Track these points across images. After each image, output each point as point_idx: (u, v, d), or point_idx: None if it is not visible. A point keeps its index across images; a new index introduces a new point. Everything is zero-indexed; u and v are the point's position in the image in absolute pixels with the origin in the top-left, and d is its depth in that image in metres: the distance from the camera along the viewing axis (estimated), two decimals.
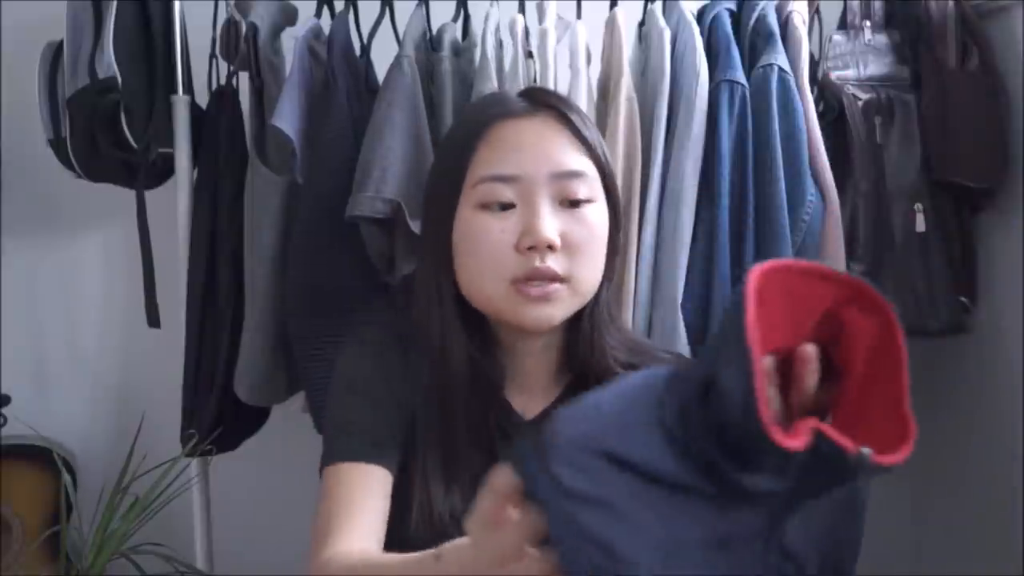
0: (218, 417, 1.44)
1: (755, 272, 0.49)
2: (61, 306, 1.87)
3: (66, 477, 1.59)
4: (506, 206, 0.84)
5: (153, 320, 1.48)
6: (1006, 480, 1.56)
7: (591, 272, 0.87)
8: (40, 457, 1.63)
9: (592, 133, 0.89)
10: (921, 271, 1.54)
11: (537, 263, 0.83)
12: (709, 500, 0.50)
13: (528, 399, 0.92)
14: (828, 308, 0.52)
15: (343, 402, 0.89)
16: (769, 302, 0.50)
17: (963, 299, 1.58)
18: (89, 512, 1.59)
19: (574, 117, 0.87)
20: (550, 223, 0.83)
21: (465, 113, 0.95)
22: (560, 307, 0.86)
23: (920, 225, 1.55)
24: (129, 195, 1.50)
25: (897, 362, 0.50)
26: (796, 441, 0.46)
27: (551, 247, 0.83)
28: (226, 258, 1.45)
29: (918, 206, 1.55)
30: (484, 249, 0.85)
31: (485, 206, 0.84)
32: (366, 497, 0.81)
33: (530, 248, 0.83)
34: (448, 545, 0.59)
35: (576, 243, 0.84)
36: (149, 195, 1.51)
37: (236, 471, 1.60)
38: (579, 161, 0.86)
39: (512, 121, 0.86)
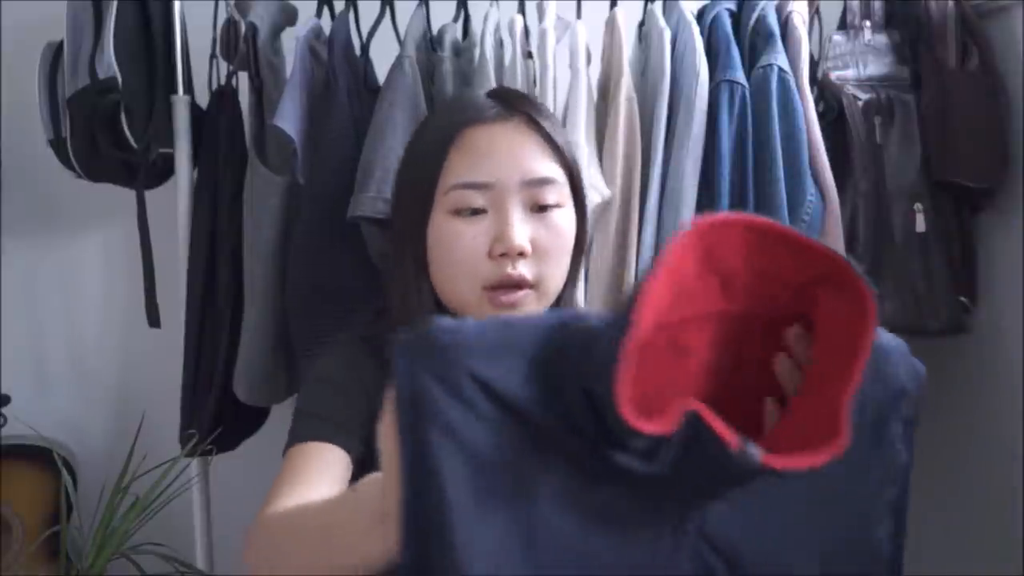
0: (218, 417, 1.44)
1: (698, 227, 0.45)
2: (61, 306, 1.87)
3: (66, 477, 1.59)
4: (477, 211, 0.85)
5: (153, 320, 1.48)
6: (1006, 480, 1.56)
7: (558, 275, 0.88)
8: (40, 457, 1.63)
9: (562, 138, 0.90)
10: (921, 271, 1.54)
11: (509, 270, 0.85)
12: (577, 462, 0.47)
13: None
14: (802, 282, 0.47)
15: (310, 391, 0.91)
16: (724, 261, 0.47)
17: (963, 299, 1.58)
18: (89, 512, 1.59)
19: (544, 123, 0.88)
20: (521, 230, 0.85)
21: (434, 116, 0.95)
22: (528, 313, 0.87)
23: (920, 225, 1.55)
24: (129, 195, 1.50)
25: (855, 353, 0.45)
26: (652, 424, 0.42)
27: (522, 254, 0.85)
28: (226, 258, 1.45)
29: (918, 206, 1.55)
30: (457, 255, 0.86)
31: (457, 212, 0.86)
32: (320, 470, 0.82)
33: (502, 255, 0.85)
34: (366, 477, 0.60)
35: (545, 248, 0.86)
36: (149, 195, 1.51)
37: (236, 471, 1.60)
38: (550, 168, 0.87)
39: (484, 127, 0.87)
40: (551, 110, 1.01)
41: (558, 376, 0.46)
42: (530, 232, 0.86)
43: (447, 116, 0.92)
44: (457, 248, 0.86)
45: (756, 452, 0.42)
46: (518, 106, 0.89)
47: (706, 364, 0.51)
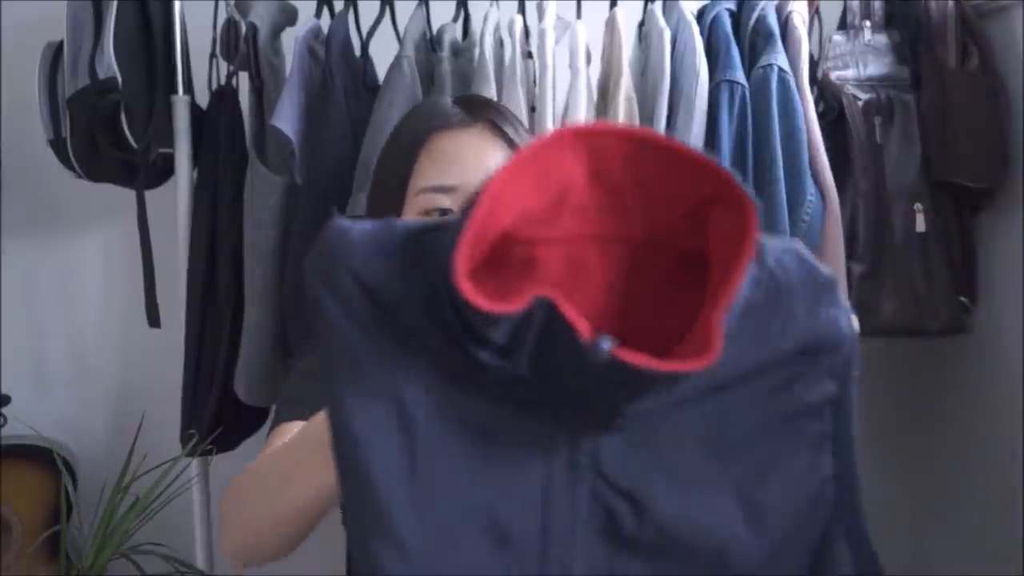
0: (218, 417, 1.44)
1: (573, 130, 0.44)
2: (61, 306, 1.87)
3: (66, 477, 1.59)
4: (444, 211, 0.88)
5: (153, 320, 1.48)
6: (1006, 480, 1.56)
7: None
8: (40, 457, 1.63)
9: (525, 140, 0.92)
10: (921, 271, 1.54)
11: None
12: (445, 363, 0.46)
13: None
14: (696, 202, 0.46)
15: (293, 383, 0.93)
16: (611, 173, 0.46)
17: (963, 299, 1.58)
18: (89, 512, 1.59)
19: (508, 128, 0.91)
20: None
21: (405, 123, 0.99)
22: None
23: (920, 225, 1.55)
24: (129, 195, 1.50)
25: (732, 265, 0.43)
26: (496, 303, 0.41)
27: None
28: (226, 258, 1.45)
29: (918, 206, 1.55)
30: None
31: (426, 213, 0.88)
32: None
33: None
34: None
35: None
36: (149, 195, 1.51)
37: (236, 471, 1.59)
38: None
39: (451, 133, 0.90)
40: (516, 113, 1.03)
41: (425, 273, 0.46)
42: None
43: (416, 122, 0.95)
44: None
45: (608, 345, 0.40)
46: (481, 113, 0.92)
47: (614, 290, 0.50)
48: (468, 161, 0.88)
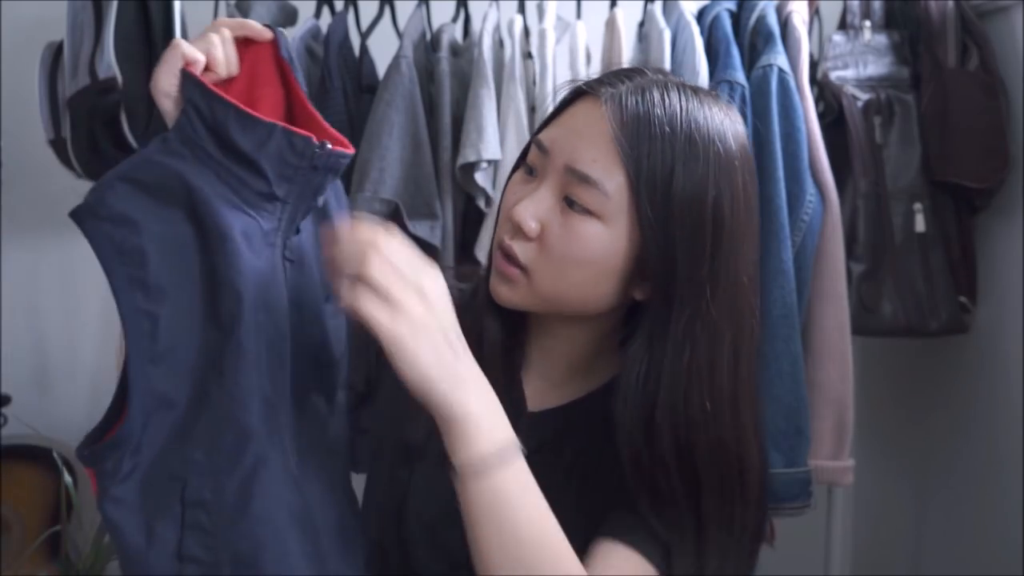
0: None
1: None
2: (61, 306, 1.87)
3: (66, 477, 1.59)
4: (533, 173, 0.80)
5: None
6: (1006, 480, 1.56)
7: (562, 283, 0.78)
8: (40, 457, 1.63)
9: (634, 142, 0.74)
10: (921, 271, 1.54)
11: (507, 238, 0.78)
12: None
13: (541, 389, 0.87)
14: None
15: None
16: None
17: (963, 299, 1.58)
18: (89, 512, 1.59)
19: (613, 118, 0.75)
20: (536, 208, 0.77)
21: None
22: (515, 293, 0.79)
23: (920, 225, 1.55)
24: None
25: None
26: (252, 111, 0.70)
27: (523, 231, 0.77)
28: None
29: (918, 206, 1.55)
30: (501, 205, 0.83)
31: (524, 166, 0.81)
32: None
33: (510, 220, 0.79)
34: None
35: (552, 245, 0.77)
36: None
37: None
38: (597, 169, 0.74)
39: (584, 98, 0.79)
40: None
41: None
42: (546, 216, 0.76)
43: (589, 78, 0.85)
44: (504, 198, 0.82)
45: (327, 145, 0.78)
46: (600, 86, 0.78)
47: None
48: (567, 132, 0.77)
